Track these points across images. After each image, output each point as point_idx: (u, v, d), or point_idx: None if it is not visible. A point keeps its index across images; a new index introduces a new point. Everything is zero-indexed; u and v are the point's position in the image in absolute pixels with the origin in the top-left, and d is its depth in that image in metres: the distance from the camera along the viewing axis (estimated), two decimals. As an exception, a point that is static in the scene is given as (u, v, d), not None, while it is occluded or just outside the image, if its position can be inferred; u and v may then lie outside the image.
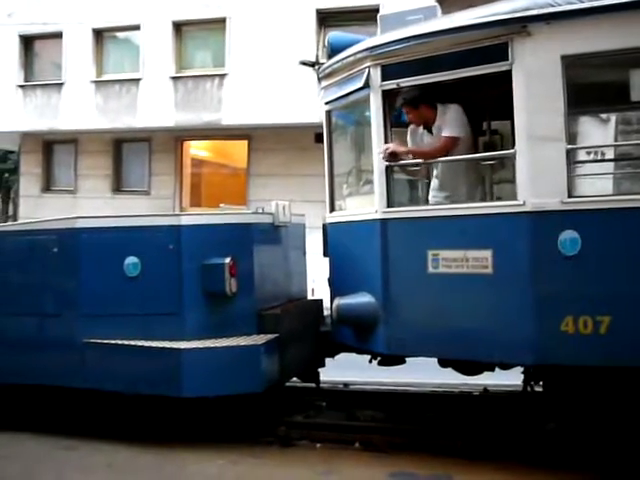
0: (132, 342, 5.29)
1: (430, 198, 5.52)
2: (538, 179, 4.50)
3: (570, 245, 4.40)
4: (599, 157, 5.48)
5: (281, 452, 5.25)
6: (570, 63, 4.46)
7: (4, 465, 5.04)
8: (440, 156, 5.19)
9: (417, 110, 5.16)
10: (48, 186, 18.64)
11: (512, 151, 4.67)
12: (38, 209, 17.32)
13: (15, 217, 20.84)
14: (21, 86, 17.86)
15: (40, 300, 5.67)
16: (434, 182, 5.51)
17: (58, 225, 5.74)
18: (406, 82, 5.12)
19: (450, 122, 5.15)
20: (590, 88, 5.46)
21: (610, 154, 6.47)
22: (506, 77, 4.62)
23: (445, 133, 5.13)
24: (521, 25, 4.51)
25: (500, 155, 5.53)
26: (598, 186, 5.33)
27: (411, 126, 5.56)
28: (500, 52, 4.60)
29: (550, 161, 4.47)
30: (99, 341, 5.35)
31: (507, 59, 4.58)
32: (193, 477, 4.74)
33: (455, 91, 5.56)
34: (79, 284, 5.48)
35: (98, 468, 4.92)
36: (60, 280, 5.59)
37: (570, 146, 4.53)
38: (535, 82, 4.52)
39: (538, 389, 5.58)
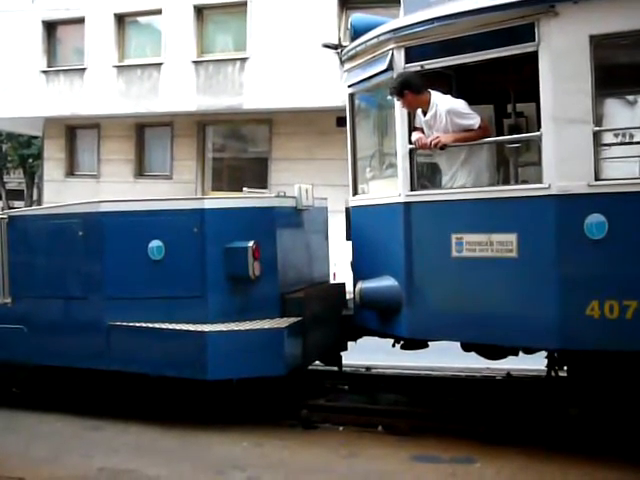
0: (156, 325, 5.34)
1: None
2: (564, 162, 4.44)
3: (597, 229, 4.35)
4: (627, 139, 5.38)
5: (304, 435, 5.28)
6: (598, 43, 4.37)
7: (34, 445, 5.13)
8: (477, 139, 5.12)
9: (404, 98, 5.10)
10: (71, 171, 18.81)
11: (538, 133, 4.61)
12: (62, 194, 17.48)
13: (39, 202, 21.07)
14: (44, 71, 17.98)
15: (66, 283, 5.75)
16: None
17: (82, 209, 5.79)
18: (430, 64, 5.08)
19: (469, 114, 5.09)
20: (619, 69, 5.36)
21: (638, 137, 6.36)
22: (532, 58, 4.56)
23: (477, 125, 5.05)
24: (548, 5, 4.42)
25: (526, 137, 5.47)
26: (626, 169, 5.24)
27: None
28: (526, 33, 4.53)
29: (577, 143, 4.41)
30: (124, 324, 5.41)
31: (533, 40, 4.50)
32: (218, 458, 4.78)
33: (480, 73, 5.51)
34: (104, 267, 5.54)
35: (124, 449, 5.00)
36: (85, 263, 5.65)
37: (597, 128, 4.46)
38: (562, 63, 4.44)
39: (562, 374, 5.54)
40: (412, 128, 5.24)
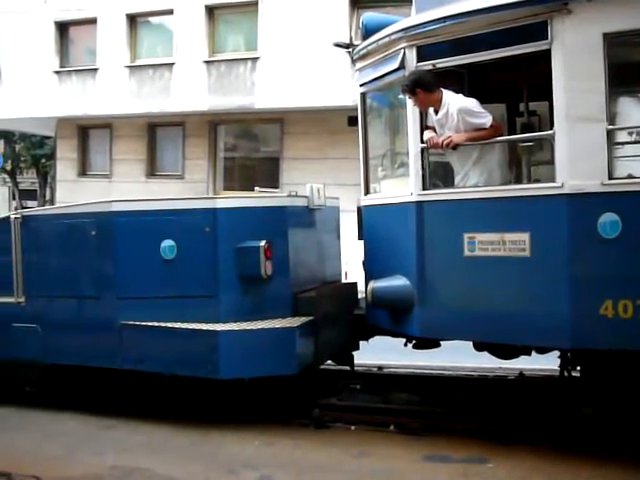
0: (169, 324, 5.36)
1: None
2: (577, 160, 4.41)
3: (610, 228, 4.32)
4: (641, 138, 5.36)
5: (316, 434, 5.29)
6: (612, 41, 4.34)
7: (47, 443, 5.17)
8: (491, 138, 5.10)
9: (416, 96, 5.08)
10: (84, 171, 18.92)
11: (550, 132, 4.58)
12: (74, 193, 17.58)
13: (52, 201, 21.21)
14: (57, 72, 18.09)
15: (79, 283, 5.78)
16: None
17: (95, 209, 5.81)
18: (442, 63, 5.06)
19: (481, 112, 5.07)
20: (632, 67, 5.32)
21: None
22: (545, 56, 4.53)
23: (489, 123, 5.03)
24: (561, 2, 4.40)
25: (538, 136, 5.44)
26: (639, 168, 5.21)
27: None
28: (539, 31, 4.51)
29: (590, 142, 4.38)
30: (136, 323, 5.43)
31: (546, 38, 4.47)
32: (230, 457, 4.79)
33: (492, 71, 5.48)
34: (116, 267, 5.57)
35: (136, 447, 5.02)
36: (98, 263, 5.68)
37: (611, 126, 4.43)
38: (575, 61, 4.42)
39: (575, 374, 5.51)
40: (424, 127, 5.23)
